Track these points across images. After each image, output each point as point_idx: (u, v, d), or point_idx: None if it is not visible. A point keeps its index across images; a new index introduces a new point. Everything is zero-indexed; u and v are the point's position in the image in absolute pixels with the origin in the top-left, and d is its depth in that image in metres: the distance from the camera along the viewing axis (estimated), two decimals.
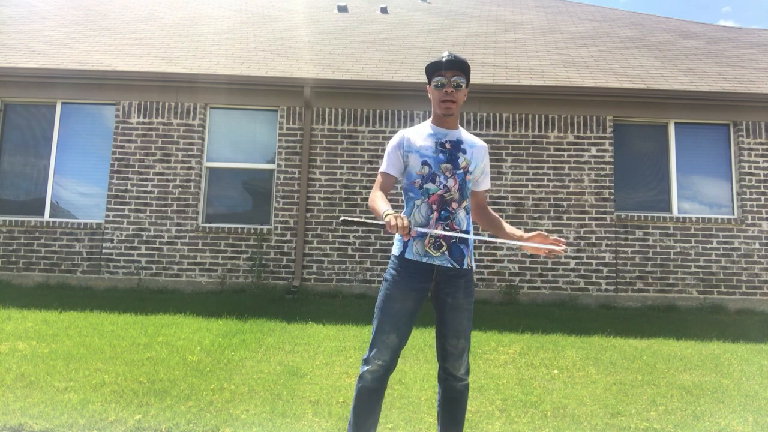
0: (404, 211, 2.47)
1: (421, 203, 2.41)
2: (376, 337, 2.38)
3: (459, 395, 2.44)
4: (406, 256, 2.41)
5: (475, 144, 2.51)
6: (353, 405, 2.40)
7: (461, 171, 2.42)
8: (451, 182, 2.40)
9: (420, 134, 2.48)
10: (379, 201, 2.34)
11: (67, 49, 8.66)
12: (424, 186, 2.40)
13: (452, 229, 2.40)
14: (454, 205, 2.40)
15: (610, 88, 7.74)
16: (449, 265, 2.39)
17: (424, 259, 2.39)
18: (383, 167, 2.48)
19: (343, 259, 7.66)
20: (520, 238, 2.43)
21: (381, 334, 2.36)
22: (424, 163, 2.41)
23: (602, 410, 3.54)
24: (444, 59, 2.39)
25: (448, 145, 2.44)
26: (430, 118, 2.54)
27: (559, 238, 2.36)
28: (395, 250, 2.47)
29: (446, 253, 2.39)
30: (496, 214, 2.61)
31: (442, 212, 2.39)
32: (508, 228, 2.53)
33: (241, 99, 8.00)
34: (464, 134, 2.52)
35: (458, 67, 2.40)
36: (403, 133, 2.50)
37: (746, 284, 7.55)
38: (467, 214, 2.47)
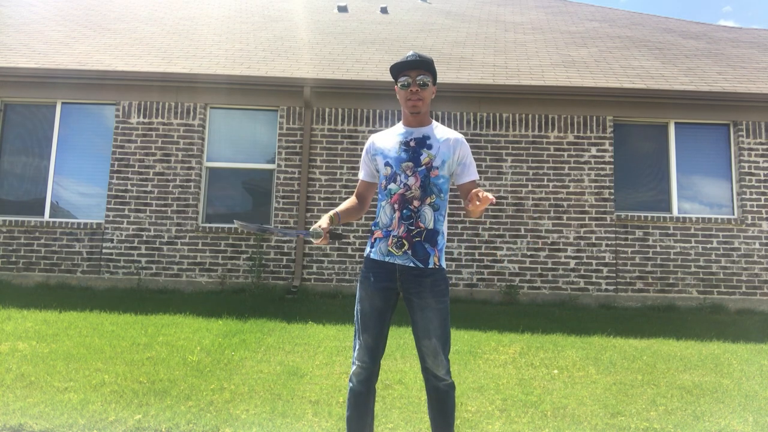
0: (377, 209, 2.52)
1: (385, 204, 2.44)
2: (354, 339, 2.46)
3: (444, 395, 2.42)
4: (371, 256, 2.47)
5: (446, 138, 2.45)
6: (346, 408, 2.47)
7: (423, 167, 2.39)
8: (411, 180, 2.39)
9: (387, 136, 2.52)
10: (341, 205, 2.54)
11: (67, 49, 8.66)
12: (387, 187, 2.43)
13: (417, 227, 2.38)
14: (416, 203, 2.38)
15: (610, 88, 7.74)
16: (412, 265, 2.38)
17: (387, 259, 2.41)
18: (359, 174, 2.60)
19: (343, 259, 7.66)
20: (470, 212, 2.25)
21: (357, 336, 2.43)
22: (387, 164, 2.45)
23: (602, 410, 3.54)
24: (408, 59, 2.40)
25: (412, 143, 2.44)
26: (401, 119, 2.54)
27: (483, 195, 2.10)
28: (365, 251, 2.53)
29: (408, 252, 2.38)
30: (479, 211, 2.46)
31: (404, 211, 2.39)
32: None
33: (241, 99, 8.00)
34: (436, 130, 2.48)
35: (423, 66, 2.40)
36: (372, 139, 2.56)
37: (746, 284, 7.55)
38: (436, 211, 2.41)
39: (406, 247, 2.38)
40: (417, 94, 2.39)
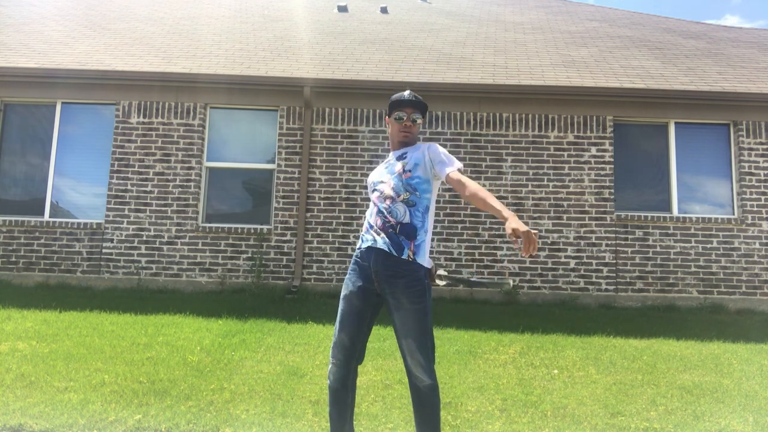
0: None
1: (370, 203, 2.73)
2: (333, 336, 2.62)
3: (423, 396, 2.45)
4: (360, 245, 2.64)
5: (419, 146, 2.73)
6: (328, 406, 2.61)
7: (396, 174, 2.64)
8: (385, 185, 2.65)
9: (378, 169, 2.80)
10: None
11: (67, 49, 8.65)
12: (372, 191, 2.74)
13: (388, 221, 2.55)
14: (388, 201, 2.59)
15: (610, 88, 7.73)
16: (386, 249, 2.51)
17: (369, 244, 2.56)
18: None
19: (343, 259, 7.66)
20: (505, 218, 2.30)
21: (335, 333, 2.59)
22: (376, 176, 2.76)
23: (602, 410, 3.54)
24: (405, 98, 2.69)
25: (392, 161, 2.73)
26: (391, 148, 2.83)
27: (529, 241, 2.21)
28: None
29: (386, 239, 2.54)
30: (474, 188, 2.46)
31: (380, 206, 2.61)
32: (492, 202, 2.38)
33: (241, 99, 8.00)
34: (415, 146, 2.74)
35: (417, 106, 2.70)
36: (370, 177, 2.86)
37: (746, 284, 7.55)
38: (411, 207, 2.57)
39: (381, 236, 2.55)
40: (408, 129, 2.71)
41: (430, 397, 2.45)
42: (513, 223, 2.23)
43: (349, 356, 2.51)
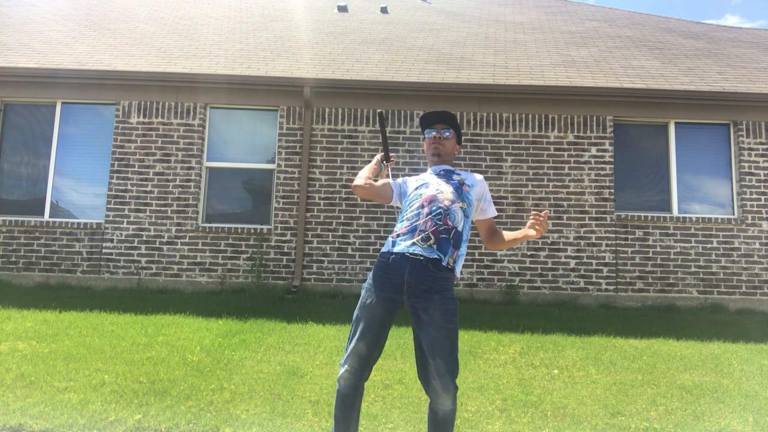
0: (398, 221, 2.63)
1: (413, 203, 2.56)
2: (348, 342, 2.50)
3: (442, 421, 2.37)
4: (391, 248, 2.50)
5: (470, 173, 2.77)
6: (334, 407, 2.50)
7: (456, 181, 2.62)
8: (444, 186, 2.58)
9: (425, 177, 2.74)
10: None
11: (67, 49, 8.66)
12: (417, 191, 2.60)
13: (445, 224, 2.46)
14: (447, 202, 2.50)
15: (610, 88, 7.73)
16: (434, 256, 2.39)
17: (410, 250, 2.43)
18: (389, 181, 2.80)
19: (343, 259, 7.66)
20: (523, 238, 2.58)
21: (352, 340, 2.48)
22: (419, 180, 2.69)
23: (602, 410, 3.54)
24: (432, 113, 2.76)
25: (442, 173, 2.70)
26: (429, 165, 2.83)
27: (538, 219, 2.50)
28: (383, 250, 2.57)
29: (434, 246, 2.42)
30: (503, 236, 2.69)
31: (434, 208, 2.49)
32: (509, 235, 2.67)
33: (241, 99, 8.00)
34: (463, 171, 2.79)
35: (446, 120, 2.75)
36: (406, 177, 2.81)
37: (746, 284, 7.55)
38: (465, 217, 2.53)
39: (432, 241, 2.42)
40: (439, 141, 2.73)
41: (448, 422, 2.37)
42: (532, 233, 2.52)
43: (365, 365, 2.41)
